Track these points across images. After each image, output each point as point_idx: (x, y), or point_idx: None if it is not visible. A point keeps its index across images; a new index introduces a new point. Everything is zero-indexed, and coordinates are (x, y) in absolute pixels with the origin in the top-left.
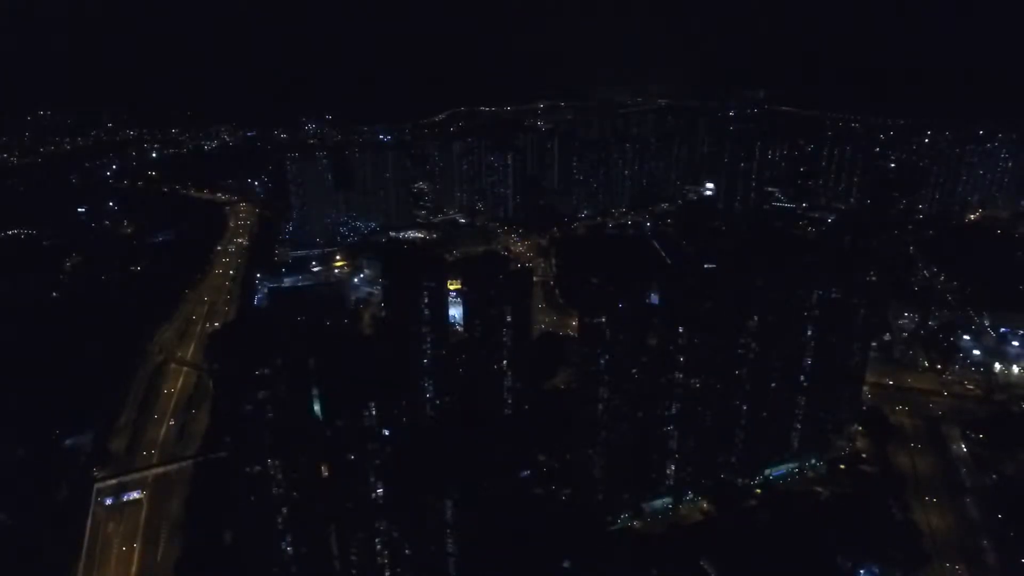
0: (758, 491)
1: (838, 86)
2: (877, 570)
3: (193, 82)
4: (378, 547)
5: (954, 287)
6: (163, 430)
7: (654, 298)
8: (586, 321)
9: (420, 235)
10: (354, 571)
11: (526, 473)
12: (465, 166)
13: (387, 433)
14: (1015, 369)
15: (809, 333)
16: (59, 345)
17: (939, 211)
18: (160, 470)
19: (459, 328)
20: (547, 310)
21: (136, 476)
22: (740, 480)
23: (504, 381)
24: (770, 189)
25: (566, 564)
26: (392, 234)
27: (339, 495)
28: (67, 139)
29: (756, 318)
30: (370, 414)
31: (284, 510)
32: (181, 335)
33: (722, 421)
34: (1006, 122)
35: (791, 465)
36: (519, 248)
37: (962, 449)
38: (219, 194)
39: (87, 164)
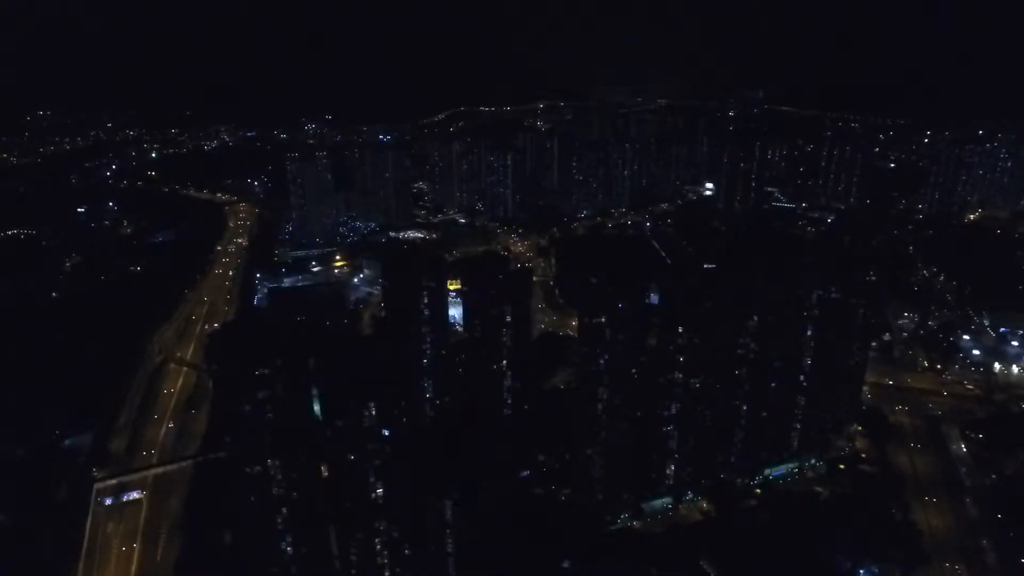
0: (758, 491)
1: (838, 86)
2: (877, 570)
3: (193, 82)
4: (378, 547)
5: (954, 287)
6: (163, 430)
7: (654, 298)
8: (586, 321)
9: (420, 235)
10: (354, 571)
11: (526, 473)
12: (465, 166)
13: (387, 433)
14: (1015, 369)
15: (809, 333)
16: (59, 345)
17: (939, 211)
18: (160, 470)
19: (459, 328)
20: (547, 310)
21: (136, 476)
22: (740, 480)
23: (504, 381)
24: (770, 189)
25: (566, 564)
26: (392, 234)
27: (339, 495)
28: (67, 139)
29: (756, 318)
30: (370, 414)
31: (284, 510)
32: (181, 335)
33: (722, 421)
34: (1006, 122)
35: (791, 465)
36: (519, 248)
37: (962, 449)
38: (219, 194)
39: (87, 164)
